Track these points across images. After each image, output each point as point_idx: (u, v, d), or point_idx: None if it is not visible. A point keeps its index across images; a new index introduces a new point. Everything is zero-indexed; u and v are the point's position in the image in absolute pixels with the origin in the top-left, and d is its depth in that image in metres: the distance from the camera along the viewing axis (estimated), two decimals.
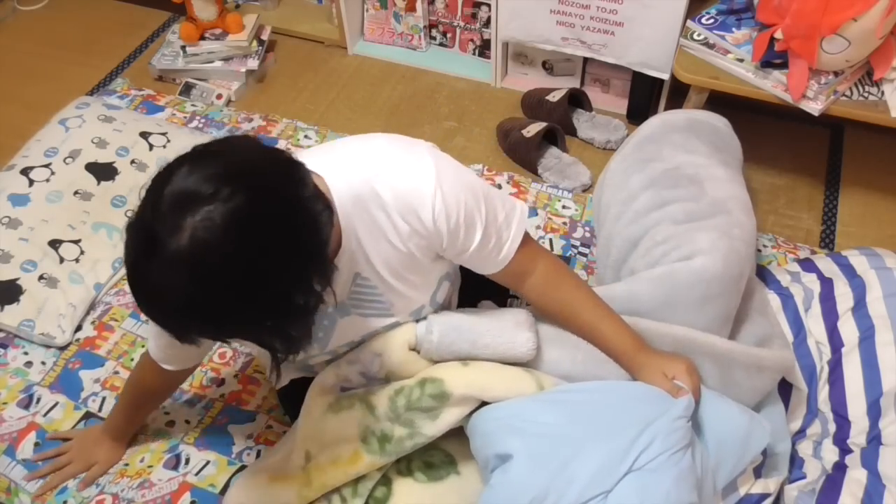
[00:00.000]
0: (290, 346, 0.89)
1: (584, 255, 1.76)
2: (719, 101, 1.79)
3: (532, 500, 1.00)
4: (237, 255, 0.78)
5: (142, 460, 1.42)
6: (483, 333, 1.15)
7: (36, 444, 1.44)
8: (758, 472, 1.22)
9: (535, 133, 1.97)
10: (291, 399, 1.27)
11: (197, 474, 1.39)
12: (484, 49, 2.29)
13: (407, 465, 1.15)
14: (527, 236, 1.11)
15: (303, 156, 0.93)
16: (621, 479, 1.00)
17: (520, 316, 1.18)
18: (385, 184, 0.98)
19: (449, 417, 1.11)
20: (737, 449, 1.12)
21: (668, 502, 0.99)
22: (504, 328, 1.16)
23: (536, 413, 1.08)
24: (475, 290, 1.30)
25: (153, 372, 1.22)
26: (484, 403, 1.13)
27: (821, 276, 1.50)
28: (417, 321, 1.17)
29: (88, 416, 1.48)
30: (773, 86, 1.67)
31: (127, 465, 1.41)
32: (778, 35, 1.59)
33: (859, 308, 1.40)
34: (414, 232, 1.01)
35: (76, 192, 1.76)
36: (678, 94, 1.91)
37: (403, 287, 1.08)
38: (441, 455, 1.17)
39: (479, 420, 1.11)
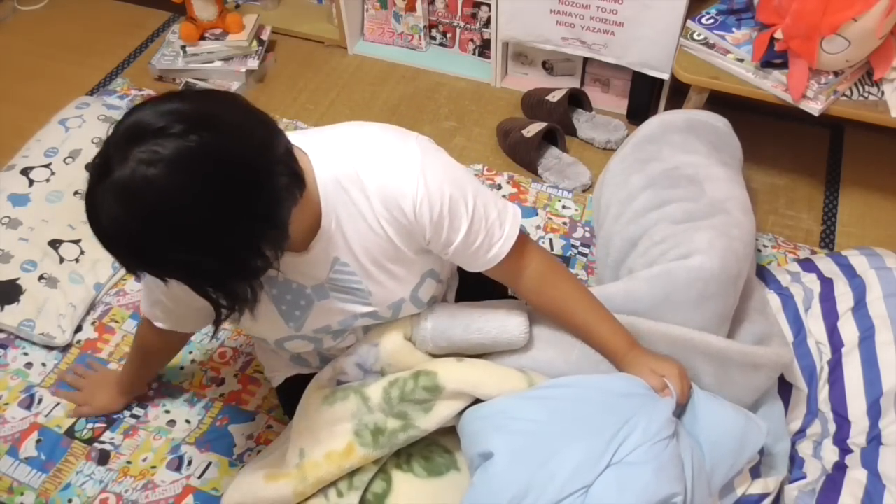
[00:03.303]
0: (233, 303, 0.88)
1: (584, 255, 1.77)
2: (719, 101, 1.79)
3: (513, 498, 1.00)
4: (177, 195, 0.77)
5: (144, 459, 1.42)
6: (476, 318, 1.16)
7: (38, 442, 1.44)
8: (755, 473, 1.22)
9: (535, 133, 1.97)
10: (291, 397, 1.27)
11: (199, 477, 1.39)
12: (484, 49, 2.29)
13: (407, 460, 1.16)
14: (522, 234, 1.11)
15: (294, 135, 0.93)
16: (601, 474, 1.01)
17: (511, 304, 1.21)
18: (369, 169, 0.98)
19: (442, 411, 1.11)
20: (733, 450, 1.12)
21: (647, 494, 0.99)
22: (496, 314, 1.18)
23: (519, 410, 1.08)
24: (474, 290, 1.30)
25: (150, 331, 1.24)
26: (477, 402, 1.13)
27: (821, 276, 1.50)
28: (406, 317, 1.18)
29: None
30: (773, 86, 1.67)
31: (129, 462, 1.41)
32: (778, 35, 1.59)
33: (859, 308, 1.40)
34: (395, 220, 1.00)
35: (76, 192, 1.76)
36: (678, 94, 1.91)
37: (383, 276, 1.07)
38: (441, 451, 1.17)
39: (466, 420, 1.11)
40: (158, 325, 1.20)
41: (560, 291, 1.16)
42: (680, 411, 1.15)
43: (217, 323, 0.92)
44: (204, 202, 0.79)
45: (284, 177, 0.86)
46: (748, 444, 1.13)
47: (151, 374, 1.49)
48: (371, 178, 0.98)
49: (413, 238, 1.03)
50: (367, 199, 0.98)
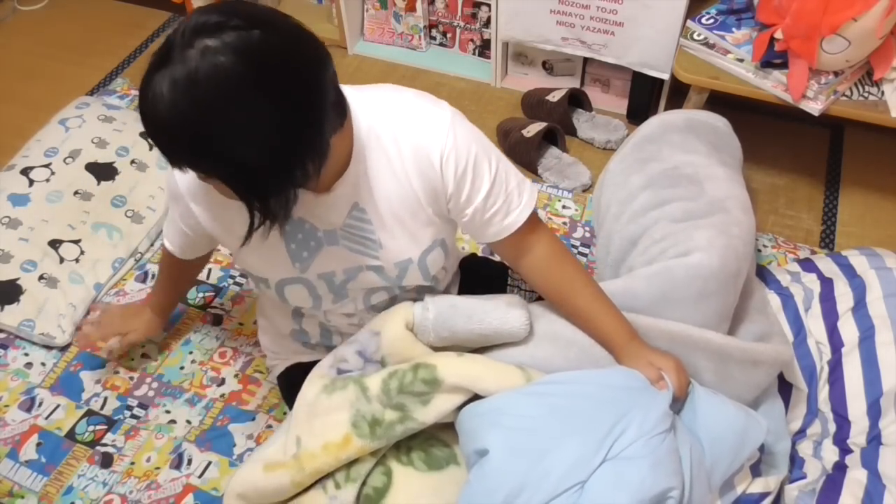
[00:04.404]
0: (267, 211, 0.90)
1: (584, 255, 1.77)
2: (719, 101, 1.79)
3: (508, 494, 1.00)
4: (239, 84, 0.79)
5: (148, 459, 1.42)
6: (477, 310, 1.18)
7: (38, 444, 1.44)
8: (755, 471, 1.22)
9: (535, 133, 1.97)
10: (292, 388, 1.28)
11: (200, 476, 1.39)
12: (484, 49, 2.29)
13: (407, 454, 1.16)
14: (535, 214, 1.13)
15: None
16: (597, 469, 1.01)
17: (512, 297, 1.22)
18: (403, 123, 1.02)
19: (440, 404, 1.11)
20: (733, 446, 1.13)
21: (642, 489, 0.99)
22: (497, 306, 1.19)
23: (514, 406, 1.08)
24: (475, 286, 1.31)
25: (171, 254, 1.30)
26: (476, 398, 1.13)
27: (821, 276, 1.50)
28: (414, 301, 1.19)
29: (90, 413, 1.49)
30: (773, 86, 1.67)
31: (133, 463, 1.41)
32: (778, 35, 1.59)
33: (859, 308, 1.40)
34: (422, 172, 1.03)
35: (76, 192, 1.76)
36: (678, 94, 1.91)
37: (398, 230, 1.09)
38: (441, 445, 1.17)
39: (463, 417, 1.12)
40: (176, 254, 1.27)
41: (566, 274, 1.17)
42: (679, 407, 1.15)
43: (248, 234, 0.93)
44: (263, 94, 0.81)
45: (332, 94, 0.90)
46: (748, 440, 1.13)
47: (179, 294, 1.55)
48: (404, 131, 1.02)
49: (436, 195, 1.06)
50: (399, 149, 1.02)
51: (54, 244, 1.68)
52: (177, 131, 0.82)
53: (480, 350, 1.21)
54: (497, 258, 1.75)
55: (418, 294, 1.23)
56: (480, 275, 1.43)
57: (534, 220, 1.13)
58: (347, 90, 1.00)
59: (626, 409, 1.05)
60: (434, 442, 1.18)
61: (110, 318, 1.47)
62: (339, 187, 1.02)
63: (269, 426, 1.47)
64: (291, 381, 1.29)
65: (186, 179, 1.07)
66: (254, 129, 0.82)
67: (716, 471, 1.11)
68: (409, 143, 1.02)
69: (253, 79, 0.80)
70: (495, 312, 1.18)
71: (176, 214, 1.17)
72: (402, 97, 1.06)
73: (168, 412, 1.49)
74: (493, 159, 1.07)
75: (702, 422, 1.13)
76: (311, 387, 1.19)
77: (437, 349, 1.19)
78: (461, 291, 1.36)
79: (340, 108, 0.94)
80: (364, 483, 1.13)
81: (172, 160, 0.87)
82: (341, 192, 1.03)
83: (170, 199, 1.17)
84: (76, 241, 1.70)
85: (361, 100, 1.01)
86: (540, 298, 1.29)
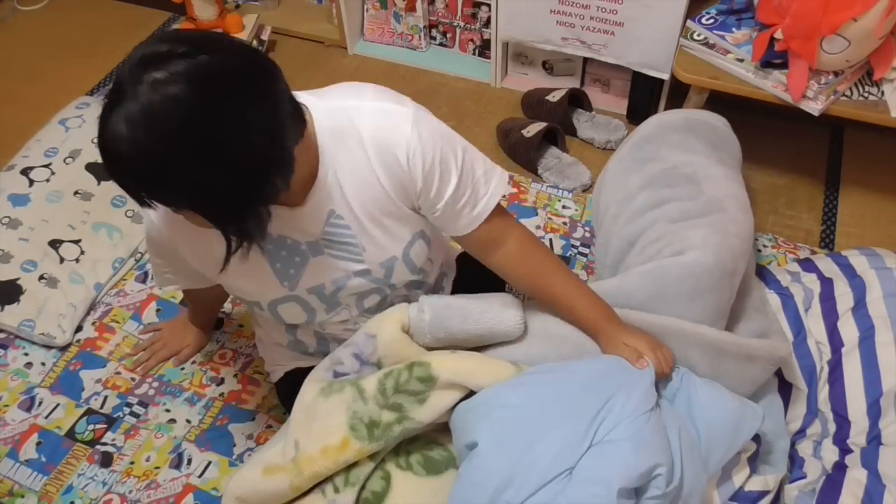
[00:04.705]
0: (242, 232, 0.90)
1: (584, 255, 1.77)
2: (719, 101, 1.79)
3: (497, 486, 1.00)
4: (196, 110, 0.80)
5: (148, 459, 1.42)
6: (472, 310, 1.18)
7: (38, 444, 1.44)
8: (753, 465, 1.22)
9: (535, 133, 1.97)
10: (290, 393, 1.28)
11: (200, 476, 1.40)
12: (484, 49, 2.29)
13: (406, 459, 1.16)
14: (501, 206, 1.13)
15: (294, 93, 0.95)
16: (584, 454, 1.01)
17: (507, 297, 1.23)
18: (364, 120, 1.01)
19: (437, 402, 1.12)
20: (728, 432, 1.13)
21: (627, 468, 1.00)
22: (493, 306, 1.20)
23: (502, 397, 1.09)
24: (470, 285, 1.32)
25: (186, 295, 1.36)
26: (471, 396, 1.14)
27: (821, 276, 1.50)
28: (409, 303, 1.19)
29: (90, 412, 1.49)
30: (773, 86, 1.67)
31: (133, 463, 1.41)
32: (778, 35, 1.59)
33: (859, 308, 1.40)
34: (389, 170, 1.03)
35: (76, 192, 1.76)
36: (678, 94, 1.91)
37: (377, 231, 1.09)
38: (440, 450, 1.17)
39: (455, 415, 1.12)
40: (170, 287, 1.29)
41: (540, 263, 1.18)
42: (674, 395, 1.16)
43: (227, 258, 0.94)
44: (220, 115, 0.81)
45: (288, 105, 0.90)
46: (744, 426, 1.14)
47: (215, 313, 1.61)
48: (367, 129, 1.01)
49: (406, 192, 1.06)
50: (364, 149, 1.02)
51: (54, 244, 1.68)
52: (140, 167, 0.82)
53: (475, 350, 1.22)
54: None
55: (409, 290, 1.23)
56: (476, 271, 1.43)
57: (503, 213, 1.14)
58: (305, 97, 1.00)
59: (609, 393, 1.07)
60: (433, 446, 1.18)
61: (163, 342, 1.57)
62: (312, 197, 1.02)
63: (269, 426, 1.47)
64: (290, 386, 1.29)
65: (163, 221, 1.07)
66: (215, 153, 0.82)
67: (712, 456, 1.12)
68: (375, 145, 1.01)
69: (207, 103, 0.80)
70: (490, 312, 1.19)
71: (163, 261, 1.20)
72: (362, 96, 1.05)
73: (168, 411, 1.49)
74: (458, 151, 1.07)
75: (697, 408, 1.14)
76: (308, 390, 1.19)
77: (432, 350, 1.19)
78: (457, 288, 1.36)
79: (299, 118, 0.94)
80: (363, 487, 1.13)
81: (140, 198, 0.87)
82: (315, 201, 1.03)
83: (152, 249, 1.20)
84: (76, 241, 1.70)
85: (321, 105, 1.01)
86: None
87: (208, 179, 0.83)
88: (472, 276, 1.34)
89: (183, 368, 1.57)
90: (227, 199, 0.87)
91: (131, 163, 0.81)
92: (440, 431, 1.18)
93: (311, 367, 1.24)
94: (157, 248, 1.18)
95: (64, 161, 1.80)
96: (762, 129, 2.05)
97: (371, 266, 1.12)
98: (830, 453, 1.32)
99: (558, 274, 1.19)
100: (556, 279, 1.19)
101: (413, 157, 1.01)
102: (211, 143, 0.81)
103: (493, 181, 1.11)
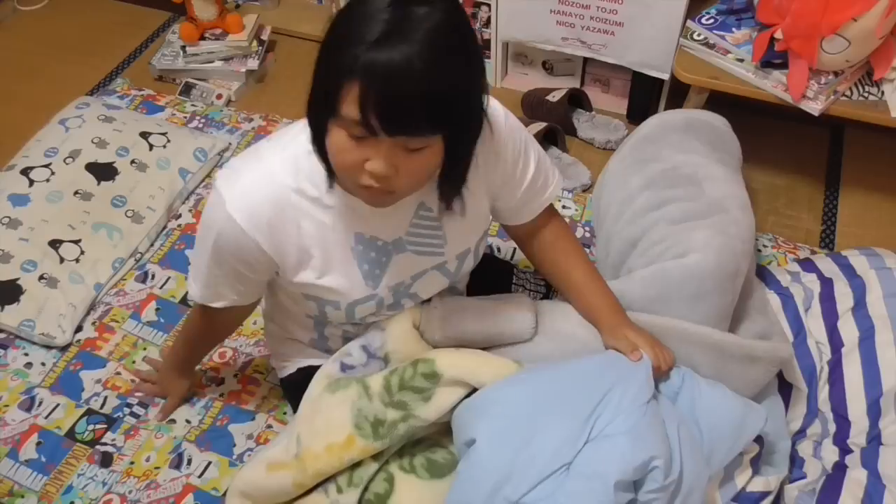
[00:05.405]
0: (468, 153, 0.97)
1: None
2: (719, 101, 1.79)
3: (496, 483, 1.00)
4: (462, 34, 0.88)
5: (147, 459, 1.42)
6: (486, 310, 1.21)
7: (38, 444, 1.44)
8: (756, 467, 1.22)
9: (535, 133, 1.97)
10: (296, 390, 1.27)
11: (200, 476, 1.40)
12: (484, 49, 2.29)
13: (410, 461, 1.16)
14: None
15: None
16: (581, 450, 1.02)
17: (521, 298, 1.25)
18: None
19: (441, 400, 1.12)
20: (731, 432, 1.13)
21: (623, 461, 1.00)
22: (506, 306, 1.22)
23: (500, 394, 1.09)
24: (480, 287, 1.33)
25: (205, 316, 1.24)
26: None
27: (821, 276, 1.50)
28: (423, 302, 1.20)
29: (90, 412, 1.49)
30: (773, 86, 1.67)
31: (132, 463, 1.41)
32: (778, 35, 1.59)
33: (859, 308, 1.40)
34: (483, 147, 1.06)
35: (76, 192, 1.76)
36: (678, 94, 1.91)
37: (461, 219, 1.12)
38: (444, 453, 1.17)
39: (456, 414, 1.12)
40: (218, 304, 1.14)
41: (570, 246, 1.26)
42: (676, 394, 1.16)
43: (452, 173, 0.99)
44: (473, 38, 0.91)
45: None
46: (747, 427, 1.14)
47: (199, 359, 1.48)
48: None
49: (496, 170, 1.12)
50: None
51: (54, 244, 1.68)
52: (437, 89, 0.84)
53: (483, 349, 1.21)
54: (501, 256, 1.75)
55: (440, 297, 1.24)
56: (486, 272, 1.43)
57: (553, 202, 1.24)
58: None
59: (607, 387, 1.07)
60: (437, 448, 1.18)
61: (149, 388, 1.51)
62: None
63: (269, 426, 1.47)
64: (298, 384, 1.29)
65: (251, 212, 1.00)
66: (475, 69, 0.91)
67: (714, 456, 1.12)
68: None
69: (466, 24, 0.90)
70: (504, 314, 1.21)
71: (222, 273, 1.09)
72: None
73: None
74: (531, 140, 1.17)
75: (700, 408, 1.14)
76: (316, 384, 1.19)
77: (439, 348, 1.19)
78: (467, 288, 1.37)
79: None
80: (366, 489, 1.13)
81: (419, 125, 0.87)
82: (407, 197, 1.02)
83: (216, 258, 1.06)
84: (76, 241, 1.70)
85: None
86: (543, 297, 1.30)
87: (472, 98, 0.91)
88: (482, 278, 1.34)
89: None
90: (474, 121, 0.94)
91: (428, 87, 0.83)
92: (444, 434, 1.17)
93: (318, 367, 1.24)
94: (223, 257, 1.06)
95: (64, 161, 1.80)
96: (762, 129, 2.05)
97: (448, 258, 1.16)
98: (830, 453, 1.32)
99: (580, 265, 1.25)
100: (578, 265, 1.25)
101: (507, 138, 1.10)
102: (474, 60, 0.90)
103: (555, 171, 1.22)
